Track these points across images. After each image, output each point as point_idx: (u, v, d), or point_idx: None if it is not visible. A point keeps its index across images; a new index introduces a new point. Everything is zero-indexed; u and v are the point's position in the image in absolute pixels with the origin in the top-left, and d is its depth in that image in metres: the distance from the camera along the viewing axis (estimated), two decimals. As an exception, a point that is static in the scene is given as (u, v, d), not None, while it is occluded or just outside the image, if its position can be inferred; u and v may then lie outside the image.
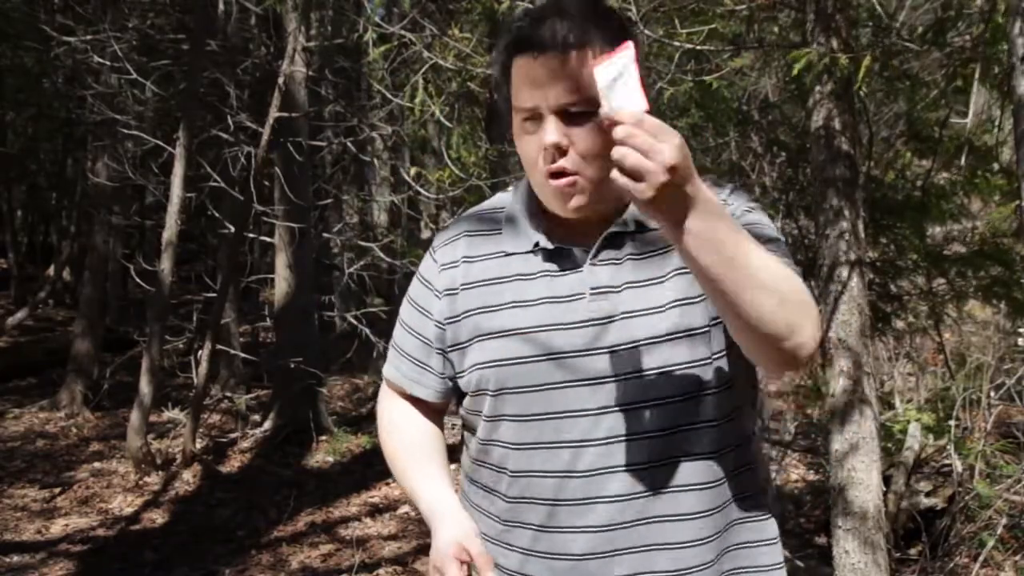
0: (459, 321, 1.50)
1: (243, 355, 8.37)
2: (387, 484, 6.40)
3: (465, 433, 1.61)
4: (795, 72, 3.52)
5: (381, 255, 7.50)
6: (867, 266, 3.81)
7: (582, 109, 1.35)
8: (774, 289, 1.27)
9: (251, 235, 7.89)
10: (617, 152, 1.17)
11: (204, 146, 7.61)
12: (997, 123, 4.45)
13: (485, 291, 1.49)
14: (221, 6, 7.29)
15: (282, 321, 7.68)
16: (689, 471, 1.42)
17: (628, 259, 1.44)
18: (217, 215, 7.44)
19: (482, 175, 5.61)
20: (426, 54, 5.47)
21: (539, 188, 1.44)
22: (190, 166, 6.68)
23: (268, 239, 7.82)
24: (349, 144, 7.74)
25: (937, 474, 4.89)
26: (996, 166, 4.60)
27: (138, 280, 7.34)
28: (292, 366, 7.00)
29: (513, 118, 1.42)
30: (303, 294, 7.56)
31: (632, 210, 1.44)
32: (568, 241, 1.46)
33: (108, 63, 7.11)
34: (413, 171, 6.90)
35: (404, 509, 5.90)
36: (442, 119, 5.58)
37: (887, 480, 4.36)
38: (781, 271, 1.31)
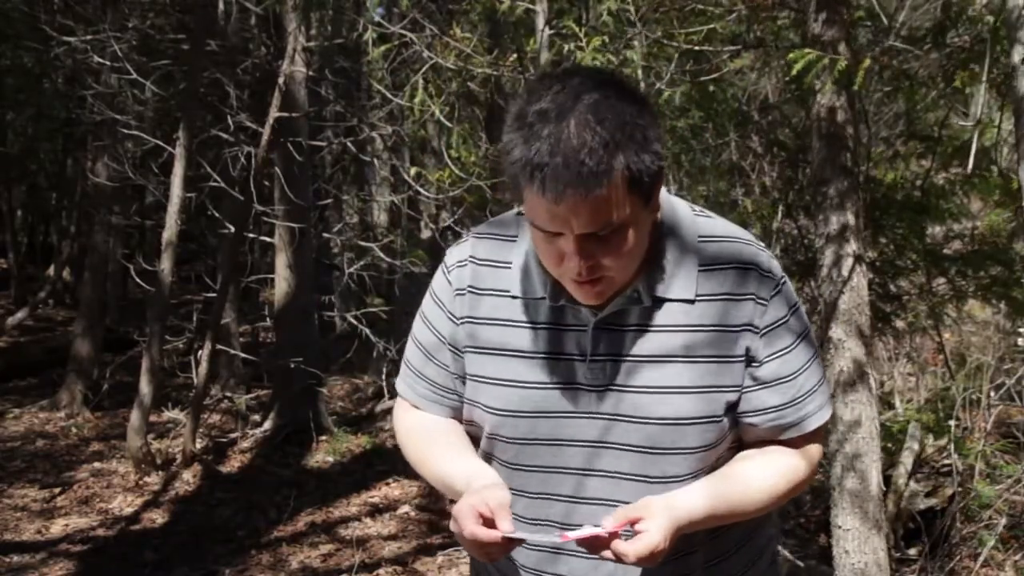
0: (468, 353, 1.49)
1: (243, 355, 8.37)
2: (387, 484, 6.40)
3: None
4: (795, 72, 3.52)
5: (381, 255, 7.50)
6: (867, 265, 3.81)
7: (607, 232, 1.30)
8: (770, 503, 1.47)
9: (251, 235, 7.88)
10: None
11: (204, 146, 7.61)
12: (998, 123, 4.46)
13: (490, 330, 1.47)
14: (221, 6, 7.28)
15: (282, 321, 7.68)
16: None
17: (634, 330, 1.41)
18: (217, 215, 7.44)
19: (482, 175, 5.61)
20: (426, 54, 5.47)
21: (560, 279, 1.39)
22: (190, 166, 6.68)
23: (268, 239, 7.82)
24: (349, 144, 7.73)
25: (937, 474, 4.89)
26: (995, 167, 4.60)
27: (138, 280, 7.34)
28: (292, 366, 7.00)
29: (526, 218, 1.36)
30: (303, 294, 7.56)
31: (649, 279, 1.40)
32: (576, 299, 1.41)
33: (108, 63, 7.11)
34: (413, 171, 6.90)
35: (404, 509, 5.90)
36: (442, 119, 5.58)
37: (887, 480, 4.36)
38: (776, 482, 1.45)
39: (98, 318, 8.81)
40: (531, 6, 5.19)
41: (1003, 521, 4.19)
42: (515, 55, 5.98)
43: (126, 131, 7.66)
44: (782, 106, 5.63)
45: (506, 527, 1.31)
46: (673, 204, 1.46)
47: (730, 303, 1.40)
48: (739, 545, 1.51)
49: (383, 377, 8.15)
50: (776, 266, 1.46)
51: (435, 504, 5.98)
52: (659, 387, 1.39)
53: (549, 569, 1.48)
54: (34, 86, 11.22)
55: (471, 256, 1.50)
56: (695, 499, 1.38)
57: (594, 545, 1.33)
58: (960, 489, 4.48)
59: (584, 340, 1.41)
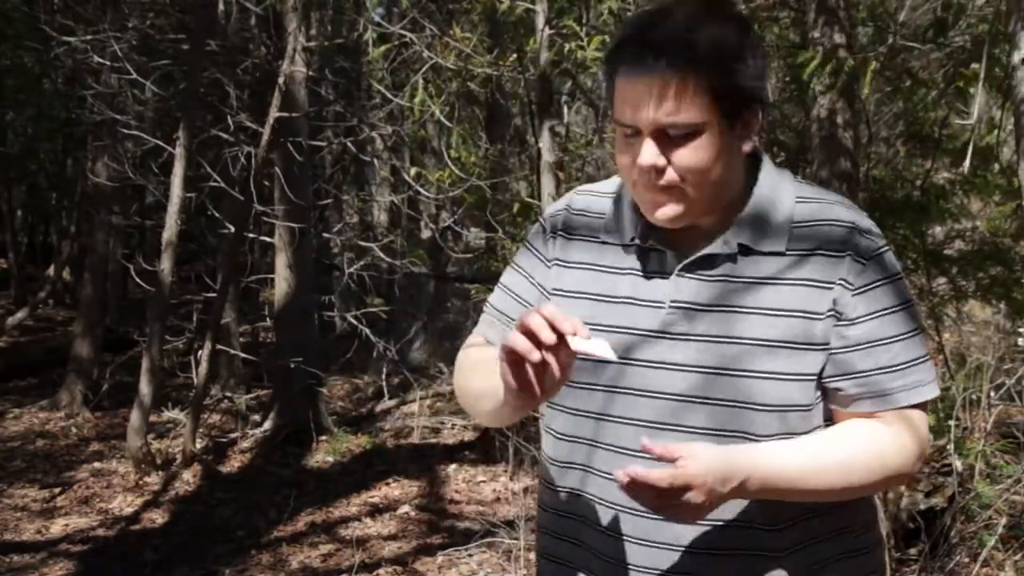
0: (554, 296, 1.48)
1: (243, 355, 8.37)
2: (387, 484, 6.40)
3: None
4: (804, 75, 3.51)
5: (381, 255, 7.51)
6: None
7: (682, 132, 1.31)
8: (867, 476, 1.35)
9: (251, 235, 7.89)
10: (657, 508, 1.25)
11: (204, 146, 7.61)
12: (999, 123, 4.46)
13: (575, 274, 1.47)
14: (221, 6, 7.28)
15: (282, 321, 7.68)
16: (728, 507, 1.33)
17: (721, 280, 1.37)
18: (217, 215, 7.44)
19: (482, 175, 5.62)
20: (426, 54, 5.48)
21: (635, 195, 1.41)
22: (190, 166, 6.68)
23: (268, 239, 7.82)
24: (349, 144, 7.74)
25: (937, 474, 4.89)
26: (997, 166, 4.60)
27: (138, 280, 7.34)
28: (292, 366, 7.00)
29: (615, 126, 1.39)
30: (303, 294, 7.56)
31: (738, 229, 1.38)
32: (665, 243, 1.41)
33: (108, 63, 7.11)
34: (413, 171, 6.91)
35: (404, 509, 5.90)
36: (442, 119, 5.59)
37: (887, 480, 4.35)
38: (872, 448, 1.34)
39: (98, 318, 8.82)
40: (531, 6, 5.19)
41: (1003, 521, 4.19)
42: (515, 55, 5.98)
43: (126, 131, 7.67)
44: (782, 106, 5.63)
45: (582, 332, 1.23)
46: (776, 168, 1.46)
47: (824, 259, 1.35)
48: (831, 535, 1.40)
49: (383, 377, 8.15)
50: (877, 230, 1.41)
51: (435, 504, 5.98)
52: (743, 338, 1.34)
53: (615, 529, 1.39)
54: (34, 86, 11.23)
55: (568, 206, 1.53)
56: (756, 447, 1.31)
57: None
58: (960, 489, 4.48)
59: (666, 288, 1.39)
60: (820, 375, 1.35)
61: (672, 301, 1.38)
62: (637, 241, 1.42)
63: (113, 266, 9.64)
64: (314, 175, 8.79)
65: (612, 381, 1.40)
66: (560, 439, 1.47)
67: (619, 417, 1.39)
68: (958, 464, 4.56)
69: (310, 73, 7.13)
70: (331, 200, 9.75)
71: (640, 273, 1.42)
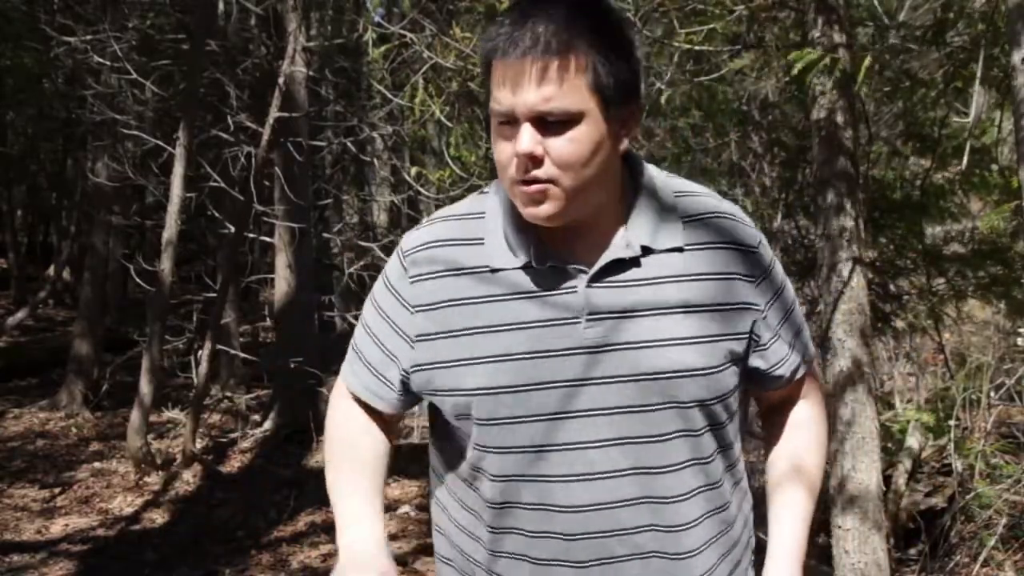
0: (434, 340, 1.39)
1: (243, 355, 8.37)
2: (387, 484, 6.39)
3: (440, 452, 1.57)
4: (796, 71, 3.51)
5: (381, 255, 7.49)
6: (866, 266, 3.81)
7: (559, 119, 1.27)
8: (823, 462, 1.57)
9: (251, 235, 7.88)
10: None
11: (204, 146, 7.61)
12: (997, 123, 4.46)
13: (467, 310, 1.37)
14: (221, 6, 7.28)
15: (282, 321, 7.69)
16: (685, 507, 1.40)
17: (632, 284, 1.35)
18: (217, 215, 7.44)
19: (482, 175, 5.61)
20: (426, 54, 5.47)
21: (511, 193, 1.34)
22: (190, 166, 6.67)
23: (268, 239, 7.82)
24: (349, 144, 7.74)
25: (937, 474, 4.89)
26: (995, 166, 4.60)
27: (138, 280, 7.34)
28: (292, 366, 7.00)
29: (491, 119, 1.33)
30: (303, 294, 7.56)
31: (635, 230, 1.36)
32: (563, 259, 1.35)
33: (108, 63, 7.11)
34: (413, 171, 6.90)
35: (404, 509, 5.90)
36: (442, 119, 5.59)
37: (887, 480, 4.36)
38: (814, 476, 1.53)
39: (98, 318, 8.82)
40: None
41: (1003, 521, 4.19)
42: (515, 55, 5.96)
43: (126, 131, 7.67)
44: (782, 106, 5.62)
45: None
46: (646, 164, 1.44)
47: (719, 251, 1.39)
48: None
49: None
50: (748, 217, 1.48)
51: (435, 504, 5.98)
52: (660, 339, 1.34)
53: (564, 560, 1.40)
54: (34, 86, 11.22)
55: (436, 239, 1.42)
56: (772, 554, 1.47)
57: None
58: (960, 489, 4.48)
59: (577, 302, 1.34)
60: (742, 364, 1.41)
61: (589, 314, 1.34)
62: (534, 264, 1.35)
63: (113, 266, 9.64)
64: (314, 175, 8.79)
65: (539, 409, 1.35)
66: (495, 480, 1.40)
67: (562, 445, 1.35)
68: (958, 464, 4.56)
69: (310, 73, 7.13)
70: (331, 200, 9.75)
71: (542, 294, 1.35)
